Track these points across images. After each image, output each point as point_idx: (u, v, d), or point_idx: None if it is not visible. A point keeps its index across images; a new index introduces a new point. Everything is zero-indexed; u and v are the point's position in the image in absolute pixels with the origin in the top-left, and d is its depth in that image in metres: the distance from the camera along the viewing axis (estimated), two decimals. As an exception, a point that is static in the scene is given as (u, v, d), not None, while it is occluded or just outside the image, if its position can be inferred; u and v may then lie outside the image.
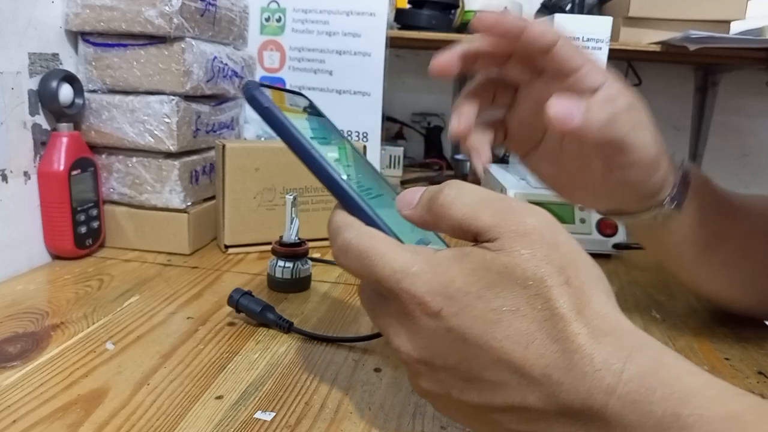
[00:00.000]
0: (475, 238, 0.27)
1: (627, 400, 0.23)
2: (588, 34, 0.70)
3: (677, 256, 0.49)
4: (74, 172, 0.59)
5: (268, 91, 0.32)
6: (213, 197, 0.69)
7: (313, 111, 0.37)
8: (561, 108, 0.34)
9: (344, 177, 0.30)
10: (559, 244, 0.26)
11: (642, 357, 0.24)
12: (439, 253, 0.27)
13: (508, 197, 0.28)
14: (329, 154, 0.32)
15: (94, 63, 0.62)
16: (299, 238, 0.57)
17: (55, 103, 0.58)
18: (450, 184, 0.28)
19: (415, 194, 0.29)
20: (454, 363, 0.26)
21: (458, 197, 0.27)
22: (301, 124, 0.32)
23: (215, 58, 0.68)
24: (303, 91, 1.02)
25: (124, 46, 0.62)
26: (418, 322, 0.27)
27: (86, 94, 0.62)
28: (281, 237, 0.57)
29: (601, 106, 0.37)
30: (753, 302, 0.52)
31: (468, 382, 0.26)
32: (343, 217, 0.30)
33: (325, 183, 0.31)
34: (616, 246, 0.71)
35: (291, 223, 0.56)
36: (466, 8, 1.19)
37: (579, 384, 0.24)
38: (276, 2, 0.88)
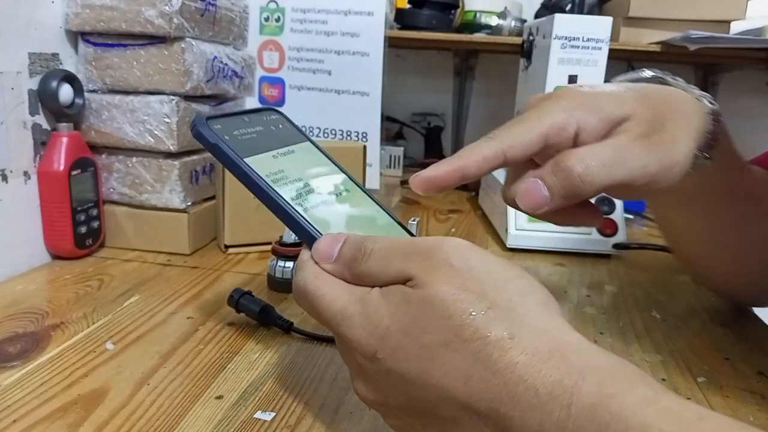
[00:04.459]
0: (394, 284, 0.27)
1: None
2: (588, 34, 0.70)
3: (688, 211, 0.47)
4: (74, 172, 0.59)
5: (219, 123, 0.31)
6: (213, 197, 0.69)
7: (283, 129, 0.36)
8: (524, 196, 0.32)
9: (300, 210, 0.31)
10: (472, 269, 0.25)
11: (591, 386, 0.22)
12: (372, 292, 0.27)
13: (417, 239, 0.28)
14: (288, 184, 0.32)
15: (94, 63, 0.62)
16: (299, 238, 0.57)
17: (55, 103, 0.58)
18: (367, 241, 0.28)
19: (332, 247, 0.29)
20: (405, 402, 0.26)
21: (372, 253, 0.28)
22: (262, 159, 0.32)
23: (215, 58, 0.68)
24: (302, 91, 1.00)
25: (124, 46, 0.62)
26: (362, 365, 0.27)
27: (86, 94, 0.62)
28: (281, 237, 0.57)
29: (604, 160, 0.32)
30: (750, 278, 0.51)
31: (426, 419, 0.26)
32: (301, 257, 0.30)
33: (282, 220, 0.31)
34: (616, 246, 0.71)
35: (291, 223, 0.56)
36: (466, 8, 1.19)
37: (529, 417, 0.23)
38: (275, 2, 0.88)
